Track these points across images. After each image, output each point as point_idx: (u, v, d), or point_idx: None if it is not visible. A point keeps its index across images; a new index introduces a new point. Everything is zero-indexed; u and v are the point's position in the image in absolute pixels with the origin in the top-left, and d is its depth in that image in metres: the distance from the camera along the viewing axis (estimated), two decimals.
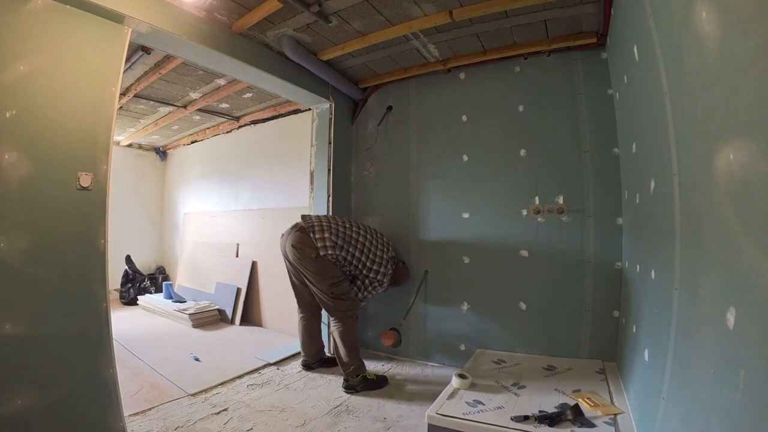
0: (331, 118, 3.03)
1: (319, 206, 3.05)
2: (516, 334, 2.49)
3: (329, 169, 3.02)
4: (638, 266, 1.72)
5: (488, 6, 2.01)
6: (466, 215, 2.69)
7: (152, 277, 5.02)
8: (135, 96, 3.28)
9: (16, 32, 1.44)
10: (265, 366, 2.71)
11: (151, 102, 3.51)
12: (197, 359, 2.81)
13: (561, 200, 2.38)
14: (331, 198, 3.00)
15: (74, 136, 1.61)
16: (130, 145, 5.20)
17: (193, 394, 2.22)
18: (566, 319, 2.34)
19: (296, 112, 3.71)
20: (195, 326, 3.69)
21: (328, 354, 2.80)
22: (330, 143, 3.03)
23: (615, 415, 1.59)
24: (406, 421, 1.96)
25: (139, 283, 4.86)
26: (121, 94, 2.95)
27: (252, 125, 4.19)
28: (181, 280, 4.81)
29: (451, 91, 2.80)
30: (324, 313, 2.70)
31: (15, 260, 1.42)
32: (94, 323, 1.66)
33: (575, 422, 1.53)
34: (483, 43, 2.47)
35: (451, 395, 1.82)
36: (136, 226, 5.29)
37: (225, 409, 2.06)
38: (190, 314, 3.72)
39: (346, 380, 2.32)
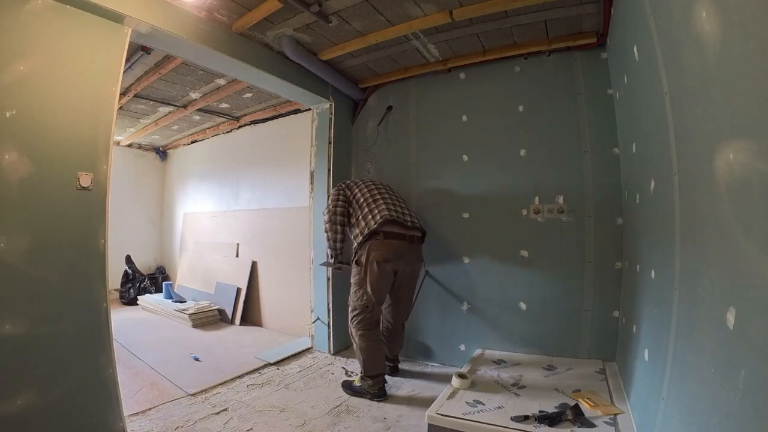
0: (331, 118, 3.03)
1: (320, 206, 3.05)
2: (516, 334, 2.49)
3: (329, 169, 3.02)
4: (638, 266, 1.72)
5: (488, 6, 2.01)
6: (466, 215, 2.68)
7: (152, 277, 5.02)
8: (135, 96, 3.28)
9: (16, 32, 1.44)
10: (265, 366, 2.71)
11: (151, 102, 3.51)
12: (197, 359, 2.81)
13: (561, 200, 2.38)
14: None
15: (74, 136, 1.61)
16: (130, 145, 5.20)
17: (193, 394, 2.22)
18: (566, 319, 2.34)
19: (296, 112, 3.70)
20: (195, 326, 3.69)
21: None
22: (330, 143, 3.03)
23: (615, 415, 1.59)
24: (406, 421, 1.96)
25: (139, 283, 4.86)
26: (121, 94, 2.95)
27: (252, 125, 4.19)
28: (181, 280, 4.81)
29: (451, 91, 2.80)
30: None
31: (15, 260, 1.42)
32: (94, 323, 1.66)
33: (575, 422, 1.53)
34: (483, 43, 2.47)
35: (451, 395, 1.82)
36: (136, 226, 5.29)
37: (225, 409, 2.05)
38: (190, 314, 3.72)
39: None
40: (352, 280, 2.32)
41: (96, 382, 1.65)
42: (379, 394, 2.21)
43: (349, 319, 2.31)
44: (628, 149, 1.92)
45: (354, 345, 2.31)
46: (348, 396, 2.24)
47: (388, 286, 2.31)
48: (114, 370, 1.71)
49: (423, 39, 2.42)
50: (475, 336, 2.61)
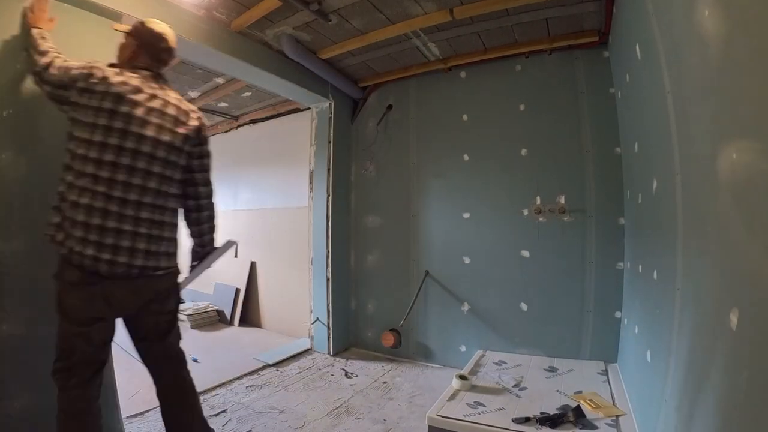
0: (330, 117, 3.02)
1: (319, 206, 3.04)
2: (517, 335, 2.47)
3: (329, 169, 3.01)
4: (640, 266, 1.71)
5: (489, 4, 2.00)
6: (466, 215, 2.67)
7: None
8: None
9: (14, 31, 1.43)
10: (264, 367, 2.70)
11: None
12: (195, 360, 2.80)
13: (562, 200, 2.37)
14: (330, 198, 2.99)
15: None
16: None
17: None
18: (568, 320, 2.33)
19: (296, 111, 3.69)
20: (193, 327, 3.68)
21: None
22: (330, 142, 3.01)
23: (617, 416, 1.58)
24: (406, 422, 1.95)
25: None
26: None
27: (251, 124, 4.18)
28: (179, 280, 4.80)
29: (451, 90, 2.79)
30: None
31: (12, 261, 1.41)
32: None
33: (577, 424, 1.52)
34: (484, 41, 2.46)
35: (452, 396, 1.81)
36: None
37: (224, 411, 2.05)
38: (188, 315, 3.71)
39: None
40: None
41: None
42: None
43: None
44: (630, 149, 1.91)
45: None
46: (349, 396, 2.23)
47: None
48: (112, 372, 1.70)
49: (423, 37, 2.41)
50: (475, 337, 2.60)
